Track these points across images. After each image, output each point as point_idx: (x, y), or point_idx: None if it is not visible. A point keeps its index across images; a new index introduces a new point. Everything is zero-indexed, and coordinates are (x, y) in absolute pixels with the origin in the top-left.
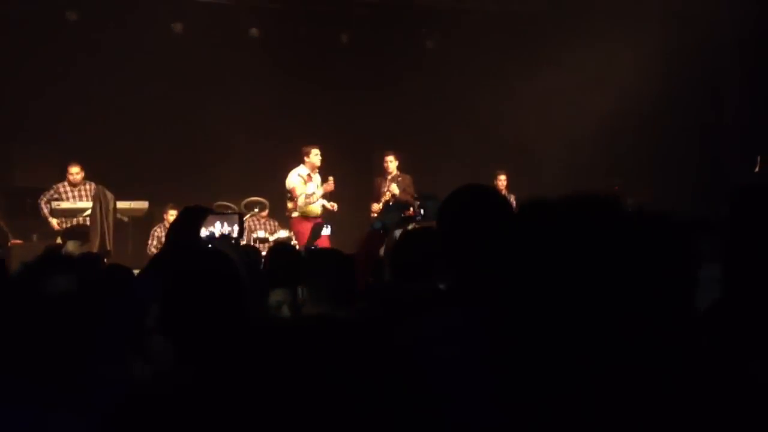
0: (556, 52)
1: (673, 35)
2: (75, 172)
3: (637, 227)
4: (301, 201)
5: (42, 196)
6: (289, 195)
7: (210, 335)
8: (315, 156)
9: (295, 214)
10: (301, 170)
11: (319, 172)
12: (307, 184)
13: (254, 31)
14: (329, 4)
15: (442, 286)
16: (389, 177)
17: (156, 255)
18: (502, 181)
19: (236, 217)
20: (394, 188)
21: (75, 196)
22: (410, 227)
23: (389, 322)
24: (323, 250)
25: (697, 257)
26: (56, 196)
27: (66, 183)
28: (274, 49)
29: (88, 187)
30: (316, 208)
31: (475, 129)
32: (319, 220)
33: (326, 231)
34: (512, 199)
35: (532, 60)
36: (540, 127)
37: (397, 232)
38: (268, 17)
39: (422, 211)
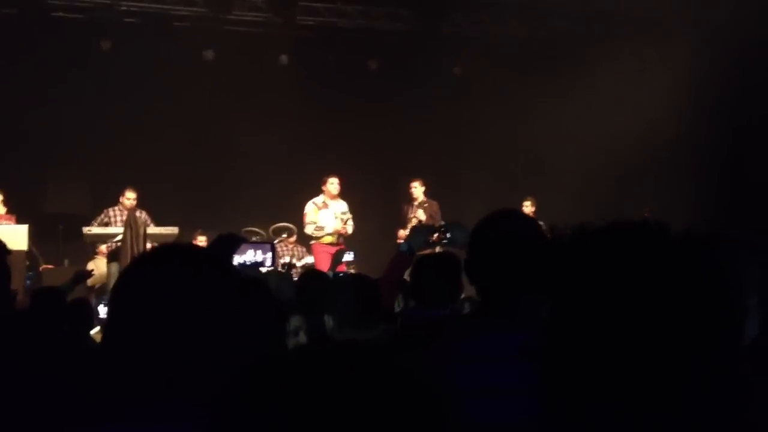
0: (582, 76)
1: (699, 58)
2: (132, 197)
3: (688, 255)
4: (308, 230)
5: (93, 222)
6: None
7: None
8: (331, 185)
9: (313, 241)
10: (317, 199)
11: (343, 199)
12: (320, 211)
13: (284, 59)
14: (357, 31)
15: (466, 311)
16: (416, 203)
17: None
18: (527, 207)
19: (268, 246)
20: (420, 214)
21: (122, 221)
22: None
23: (416, 346)
24: (348, 276)
25: (747, 284)
26: (105, 220)
27: (117, 207)
28: (303, 77)
29: (139, 214)
30: (331, 237)
31: (502, 155)
32: (339, 246)
33: (348, 257)
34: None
35: (559, 85)
36: (568, 153)
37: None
38: (298, 45)
39: (448, 235)
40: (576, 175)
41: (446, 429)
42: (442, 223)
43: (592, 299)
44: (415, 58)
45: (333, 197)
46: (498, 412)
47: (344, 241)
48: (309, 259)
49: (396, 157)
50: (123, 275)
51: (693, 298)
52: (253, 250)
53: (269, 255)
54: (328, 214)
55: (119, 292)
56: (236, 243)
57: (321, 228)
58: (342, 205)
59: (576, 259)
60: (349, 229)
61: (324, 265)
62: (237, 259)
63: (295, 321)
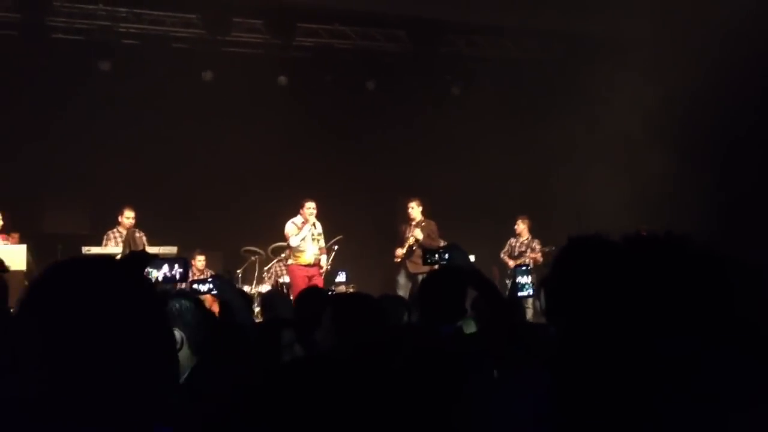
0: (579, 97)
1: (698, 77)
2: (130, 216)
3: (709, 270)
4: (293, 242)
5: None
6: (286, 243)
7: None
8: (308, 209)
9: (290, 262)
10: (296, 219)
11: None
12: (300, 231)
13: (282, 80)
14: (355, 52)
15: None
16: (413, 223)
17: None
18: (519, 226)
19: (182, 260)
20: (418, 233)
21: (121, 241)
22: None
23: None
24: (349, 295)
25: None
26: (107, 243)
27: (116, 229)
28: (302, 97)
29: (138, 234)
30: (309, 258)
31: (500, 175)
32: (315, 268)
33: (340, 277)
34: (535, 243)
35: (557, 105)
36: (566, 171)
37: (420, 277)
38: (296, 66)
39: (447, 256)
40: (573, 194)
41: None
42: (441, 248)
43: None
44: (413, 78)
45: (307, 220)
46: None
47: (333, 262)
48: (285, 279)
49: (393, 177)
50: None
51: (721, 307)
52: (167, 266)
53: (180, 270)
54: (306, 236)
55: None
56: (146, 259)
57: (302, 239)
58: (318, 227)
59: (602, 272)
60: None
61: (300, 286)
62: (151, 275)
63: (288, 335)
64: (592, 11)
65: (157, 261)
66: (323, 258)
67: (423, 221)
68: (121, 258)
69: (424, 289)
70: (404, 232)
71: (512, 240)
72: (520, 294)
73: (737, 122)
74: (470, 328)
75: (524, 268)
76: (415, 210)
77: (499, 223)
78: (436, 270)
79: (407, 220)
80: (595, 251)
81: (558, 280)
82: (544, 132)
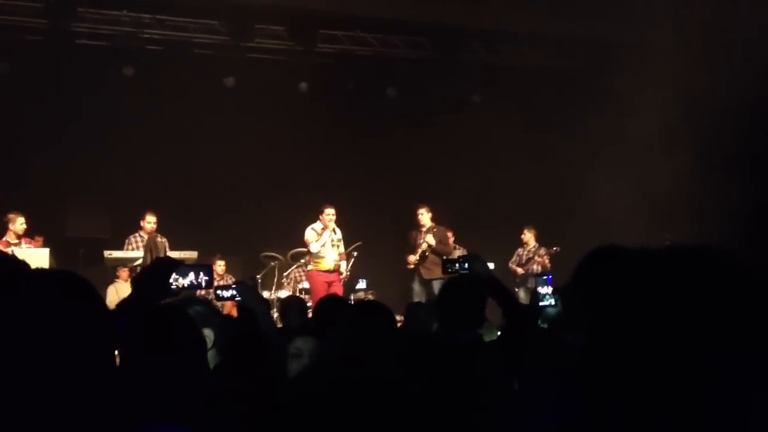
0: (598, 106)
1: (720, 84)
2: (152, 221)
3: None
4: (313, 248)
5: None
6: (306, 249)
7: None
8: (327, 216)
9: (310, 267)
10: (316, 226)
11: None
12: (320, 237)
13: (303, 86)
14: (376, 59)
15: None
16: (423, 229)
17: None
18: (526, 236)
19: (207, 267)
20: (430, 239)
21: (142, 246)
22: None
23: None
24: (367, 303)
25: None
26: (129, 248)
27: (137, 234)
28: (323, 104)
29: (160, 239)
30: (328, 264)
31: (519, 182)
32: (335, 274)
33: (361, 284)
34: (542, 252)
35: (577, 112)
36: (585, 180)
37: (435, 285)
38: (317, 72)
39: (467, 266)
40: (592, 202)
41: None
42: (461, 257)
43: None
44: (433, 85)
45: (327, 226)
46: None
47: (353, 269)
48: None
49: (413, 184)
50: None
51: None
52: (193, 272)
53: (206, 278)
54: (326, 242)
55: None
56: (173, 266)
57: (322, 245)
58: (337, 233)
59: (640, 285)
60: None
61: (320, 292)
62: (178, 281)
63: (297, 343)
64: (613, 18)
65: (183, 268)
66: (343, 264)
67: (434, 227)
68: (145, 269)
69: (442, 297)
70: (415, 239)
71: (519, 250)
72: (540, 304)
73: (760, 130)
74: (491, 335)
75: (544, 278)
76: (425, 216)
77: (518, 229)
78: (455, 278)
79: (417, 226)
80: (620, 261)
81: (582, 289)
82: (564, 139)
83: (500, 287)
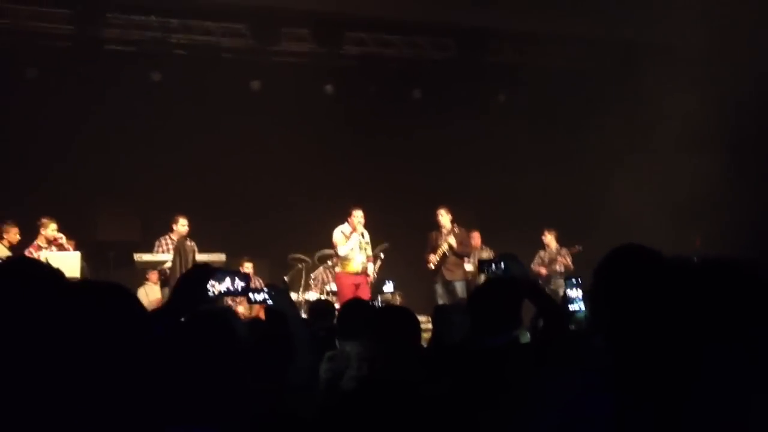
0: (624, 108)
1: (746, 85)
2: (185, 223)
3: None
4: (341, 252)
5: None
6: (333, 251)
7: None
8: (356, 218)
9: (338, 269)
10: (344, 227)
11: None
12: (348, 240)
13: (329, 88)
14: (402, 61)
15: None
16: (444, 230)
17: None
18: (546, 237)
19: (243, 274)
20: (451, 240)
21: (172, 248)
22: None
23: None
24: (393, 309)
25: None
26: (159, 250)
27: (167, 236)
28: (349, 106)
29: (189, 243)
30: (356, 266)
31: (545, 183)
32: (362, 276)
33: (388, 287)
34: (564, 252)
35: (603, 113)
36: (611, 183)
37: (458, 286)
38: (343, 74)
39: (502, 266)
40: (619, 202)
41: None
42: (498, 256)
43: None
44: (459, 86)
45: (355, 228)
46: None
47: (380, 271)
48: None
49: (439, 185)
50: None
51: None
52: (229, 279)
53: (242, 285)
54: (351, 243)
55: None
56: (210, 273)
57: (350, 249)
58: (365, 236)
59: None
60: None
61: (347, 294)
62: (214, 288)
63: (348, 346)
64: (640, 19)
65: (219, 274)
66: (370, 266)
67: (455, 228)
68: (182, 276)
69: (477, 299)
70: (435, 240)
71: (541, 252)
72: (570, 307)
73: None
74: (524, 338)
75: (573, 280)
76: (444, 217)
77: (541, 231)
78: (489, 279)
79: (437, 227)
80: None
81: (602, 288)
82: (589, 141)
83: (537, 288)
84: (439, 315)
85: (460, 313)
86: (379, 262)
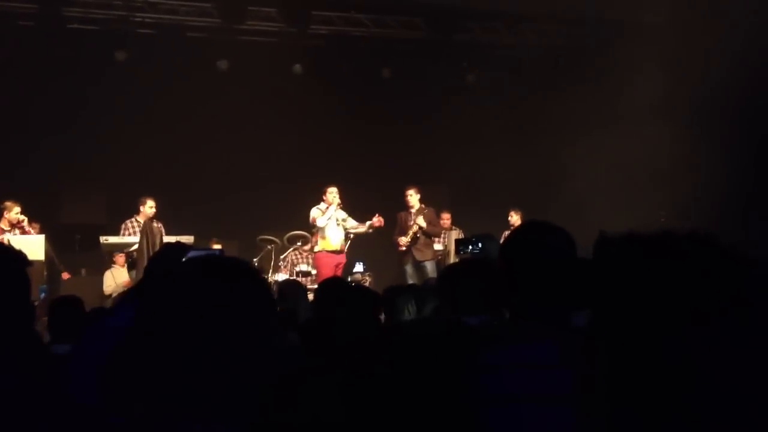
0: (596, 84)
1: (720, 64)
2: (153, 205)
3: (740, 268)
4: (320, 222)
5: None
6: (313, 229)
7: None
8: (331, 194)
9: (317, 249)
10: (321, 206)
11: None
12: (325, 213)
13: (297, 68)
14: (371, 40)
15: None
16: (413, 210)
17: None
18: (512, 218)
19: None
20: (421, 221)
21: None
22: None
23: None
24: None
25: None
26: (125, 233)
27: (133, 219)
28: (317, 85)
29: (156, 224)
30: (335, 244)
31: (515, 163)
32: (341, 255)
33: (358, 267)
34: None
35: (573, 92)
36: (580, 161)
37: (428, 266)
38: (311, 54)
39: (480, 246)
40: (585, 183)
41: None
42: (474, 236)
43: (643, 308)
44: (428, 66)
45: (330, 205)
46: (538, 418)
47: (348, 252)
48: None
49: (408, 165)
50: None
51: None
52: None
53: None
54: (330, 223)
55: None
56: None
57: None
58: (341, 213)
59: (629, 268)
60: (349, 226)
61: (326, 273)
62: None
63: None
64: None
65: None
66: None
67: (423, 208)
68: (155, 253)
69: (446, 278)
70: (404, 220)
71: (506, 233)
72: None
73: (761, 109)
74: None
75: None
76: (414, 197)
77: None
78: (462, 259)
79: (406, 207)
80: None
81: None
82: (561, 119)
83: None
84: (386, 298)
85: (405, 295)
86: (348, 242)
